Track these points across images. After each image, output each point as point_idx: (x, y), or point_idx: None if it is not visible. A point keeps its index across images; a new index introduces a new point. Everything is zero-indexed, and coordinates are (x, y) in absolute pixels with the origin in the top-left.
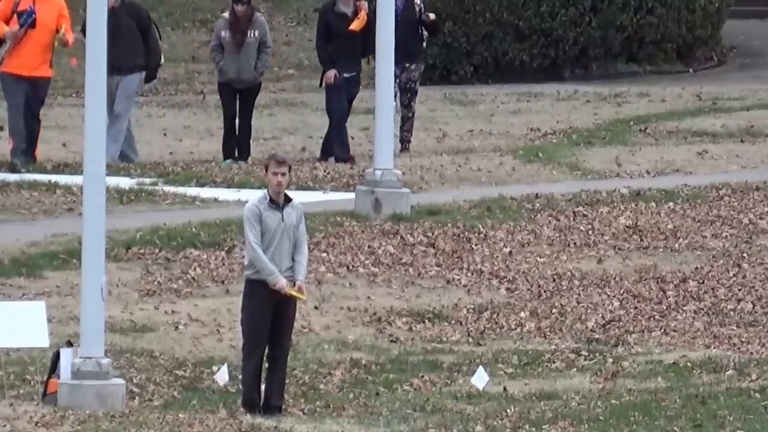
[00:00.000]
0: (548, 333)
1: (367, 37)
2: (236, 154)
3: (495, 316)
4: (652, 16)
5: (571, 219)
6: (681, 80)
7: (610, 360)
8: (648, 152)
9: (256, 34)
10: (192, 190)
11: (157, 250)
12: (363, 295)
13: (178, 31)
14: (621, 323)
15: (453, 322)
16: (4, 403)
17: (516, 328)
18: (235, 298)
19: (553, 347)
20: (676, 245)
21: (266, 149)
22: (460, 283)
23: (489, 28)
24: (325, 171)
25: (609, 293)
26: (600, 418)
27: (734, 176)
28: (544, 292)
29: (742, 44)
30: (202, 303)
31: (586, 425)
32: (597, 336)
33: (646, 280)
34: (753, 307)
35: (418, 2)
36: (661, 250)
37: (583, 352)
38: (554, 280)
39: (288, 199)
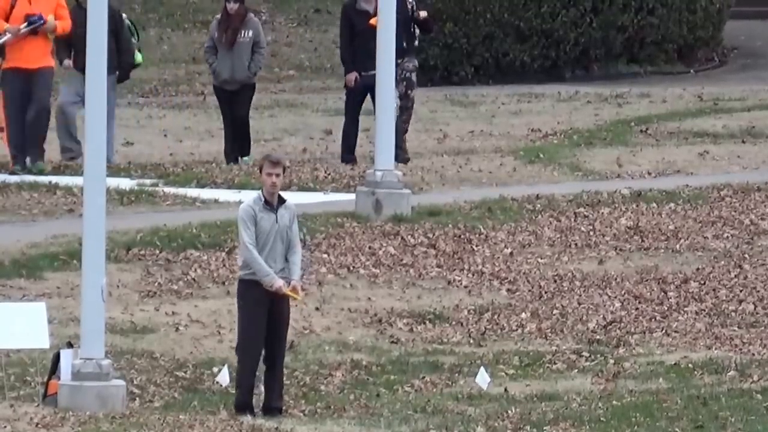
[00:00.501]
0: (549, 334)
1: None
2: (239, 154)
3: (496, 317)
4: (653, 17)
5: (572, 220)
6: (682, 81)
7: (612, 361)
8: (649, 153)
9: (250, 34)
10: (192, 191)
11: (157, 251)
12: (364, 296)
13: (178, 32)
14: (622, 324)
15: (454, 323)
16: (5, 404)
17: (517, 329)
18: (236, 299)
19: (554, 348)
20: (678, 246)
21: (267, 150)
22: (461, 284)
23: (490, 28)
24: (325, 172)
25: (610, 294)
26: (601, 419)
27: (735, 177)
28: (545, 293)
29: (743, 45)
30: (202, 304)
31: (588, 426)
32: (598, 337)
33: (647, 281)
34: (754, 308)
35: (411, 0)
36: (663, 251)
37: (585, 353)
38: (555, 281)
39: (282, 200)
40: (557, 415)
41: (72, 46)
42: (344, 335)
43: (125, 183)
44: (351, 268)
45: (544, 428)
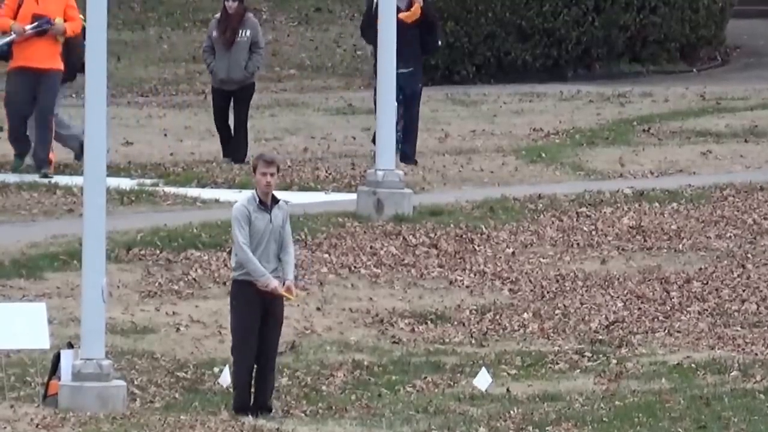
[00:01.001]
0: (551, 334)
1: (426, 34)
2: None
3: (498, 317)
4: (655, 16)
5: (575, 219)
6: (684, 80)
7: (614, 361)
8: (651, 152)
9: (248, 33)
10: (193, 191)
11: (158, 251)
12: (365, 296)
13: (178, 31)
14: (625, 324)
15: (456, 323)
16: (5, 405)
17: (519, 330)
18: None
19: (556, 348)
20: (680, 246)
21: (268, 150)
22: (463, 284)
23: (491, 27)
24: (326, 172)
25: (612, 294)
26: (604, 419)
27: (738, 176)
28: (548, 293)
29: (746, 44)
30: (203, 304)
31: (590, 427)
32: (600, 337)
33: (649, 280)
34: (757, 308)
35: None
36: (665, 250)
37: (587, 353)
38: (557, 281)
39: (275, 200)
40: (559, 415)
41: None
42: (346, 335)
43: (125, 183)
44: (352, 268)
45: (547, 429)
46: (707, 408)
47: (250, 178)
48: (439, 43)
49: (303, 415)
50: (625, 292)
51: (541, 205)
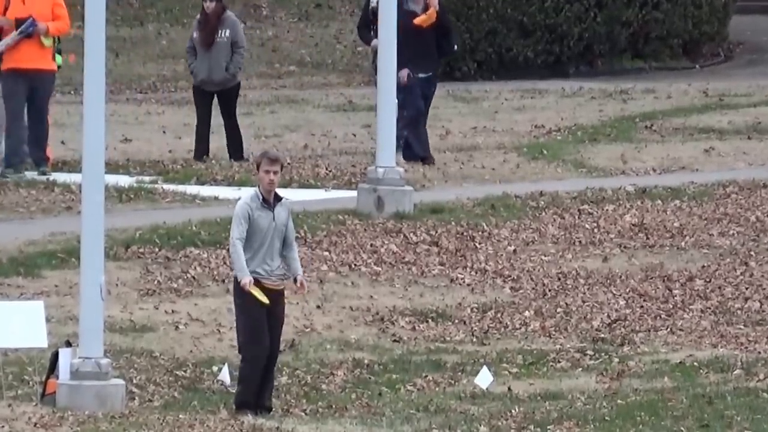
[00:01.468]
0: (553, 332)
1: (443, 38)
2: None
3: (499, 315)
4: (657, 12)
5: (576, 217)
6: (687, 76)
7: (616, 360)
8: (654, 149)
9: (227, 33)
10: (192, 189)
11: (156, 249)
12: (365, 295)
13: (176, 28)
14: (627, 322)
15: (457, 321)
16: (3, 403)
17: (520, 328)
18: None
19: (558, 347)
20: (683, 243)
21: (268, 147)
22: (464, 282)
23: (493, 24)
24: (326, 169)
25: (615, 292)
26: (606, 418)
27: (741, 173)
28: (549, 291)
29: (749, 40)
30: (202, 302)
31: (592, 425)
32: (602, 335)
33: (652, 278)
34: (760, 306)
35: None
36: (668, 248)
37: (589, 352)
38: (559, 279)
39: (278, 198)
40: (561, 414)
41: None
42: (346, 334)
43: (124, 180)
44: (352, 266)
45: (548, 427)
46: (710, 407)
47: (249, 176)
48: (456, 47)
49: (303, 413)
50: (628, 290)
51: (542, 203)
